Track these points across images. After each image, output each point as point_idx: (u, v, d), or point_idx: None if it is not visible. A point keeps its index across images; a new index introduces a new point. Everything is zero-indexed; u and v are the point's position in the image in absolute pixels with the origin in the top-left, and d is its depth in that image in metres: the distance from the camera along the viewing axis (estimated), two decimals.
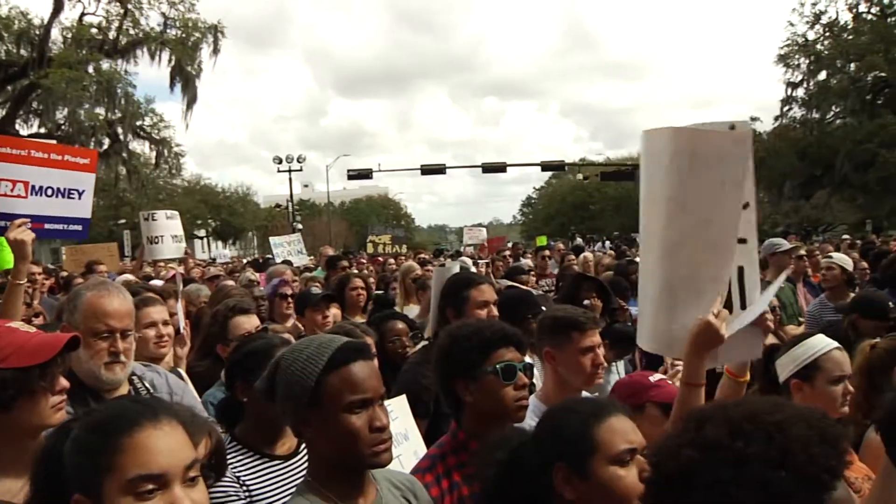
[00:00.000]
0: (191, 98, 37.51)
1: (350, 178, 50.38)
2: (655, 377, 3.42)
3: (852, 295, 6.57)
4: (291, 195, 48.41)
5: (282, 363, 2.12)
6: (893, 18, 44.51)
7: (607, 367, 5.44)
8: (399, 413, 3.56)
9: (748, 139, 2.56)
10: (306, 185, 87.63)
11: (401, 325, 5.03)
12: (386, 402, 3.48)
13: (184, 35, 36.90)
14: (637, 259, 12.94)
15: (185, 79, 36.99)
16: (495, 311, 4.07)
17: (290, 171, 45.93)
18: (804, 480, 1.27)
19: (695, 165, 2.54)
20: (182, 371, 4.26)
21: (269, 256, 16.91)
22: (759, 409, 1.38)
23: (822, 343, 3.15)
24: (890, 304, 5.44)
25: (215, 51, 37.73)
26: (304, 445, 2.77)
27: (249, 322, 4.44)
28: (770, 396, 1.46)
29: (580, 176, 69.95)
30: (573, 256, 12.06)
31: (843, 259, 7.66)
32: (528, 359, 2.85)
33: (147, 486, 1.54)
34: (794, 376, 3.10)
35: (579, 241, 34.74)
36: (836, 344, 3.17)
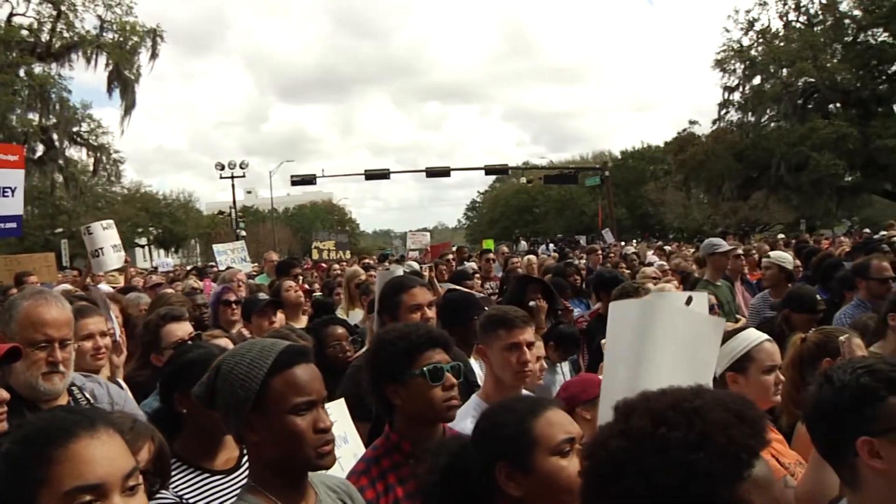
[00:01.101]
0: (129, 103, 36.83)
1: (293, 183, 50.13)
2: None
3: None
4: (234, 202, 47.78)
5: (223, 367, 2.10)
6: (819, 27, 46.11)
7: (551, 367, 5.58)
8: (338, 416, 3.54)
9: (722, 326, 2.52)
10: (249, 192, 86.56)
11: (340, 329, 5.02)
12: (326, 406, 3.52)
13: (121, 39, 36.14)
14: (580, 261, 13.21)
15: (123, 84, 36.26)
16: (429, 314, 4.09)
17: (232, 177, 45.39)
18: (723, 460, 1.32)
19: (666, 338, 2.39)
20: (121, 380, 4.17)
21: (213, 264, 16.70)
22: (681, 398, 1.43)
23: (753, 336, 3.26)
24: (818, 298, 5.68)
25: (154, 55, 37.13)
26: (245, 459, 2.74)
27: (182, 329, 4.37)
28: (693, 386, 1.52)
29: (524, 179, 70.74)
30: (517, 259, 12.19)
31: (782, 257, 7.96)
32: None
33: (84, 498, 1.50)
34: (729, 369, 3.20)
35: (524, 244, 35.07)
36: (766, 336, 3.29)
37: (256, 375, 2.03)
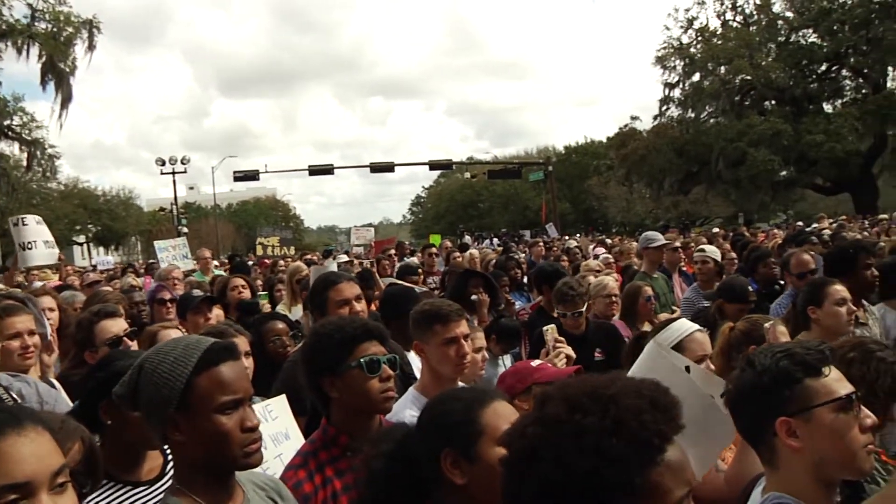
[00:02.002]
0: (65, 97, 35.55)
1: (236, 179, 49.42)
2: (537, 362, 3.60)
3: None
4: (176, 198, 46.93)
5: (146, 366, 2.06)
6: (755, 27, 47.30)
7: (493, 360, 5.64)
8: (279, 412, 3.54)
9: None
10: (191, 188, 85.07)
11: (280, 324, 4.99)
12: (266, 402, 3.53)
13: (55, 29, 34.82)
14: (521, 255, 13.34)
15: (57, 76, 35.00)
16: (358, 308, 4.10)
17: (173, 173, 44.60)
18: (636, 445, 1.35)
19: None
20: (53, 380, 4.09)
21: (154, 261, 16.40)
22: (597, 385, 1.46)
23: (685, 326, 3.36)
24: (750, 288, 5.86)
25: (91, 47, 35.85)
26: (168, 467, 2.70)
27: (116, 326, 4.28)
28: (610, 373, 1.56)
29: (468, 174, 70.97)
30: (458, 254, 12.26)
31: (714, 251, 8.20)
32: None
33: (10, 497, 1.47)
34: None
35: (467, 238, 35.22)
36: (697, 326, 3.40)
37: (181, 374, 1.99)
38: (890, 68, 44.33)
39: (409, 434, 2.22)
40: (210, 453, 2.01)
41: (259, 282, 10.36)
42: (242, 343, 4.10)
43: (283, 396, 3.64)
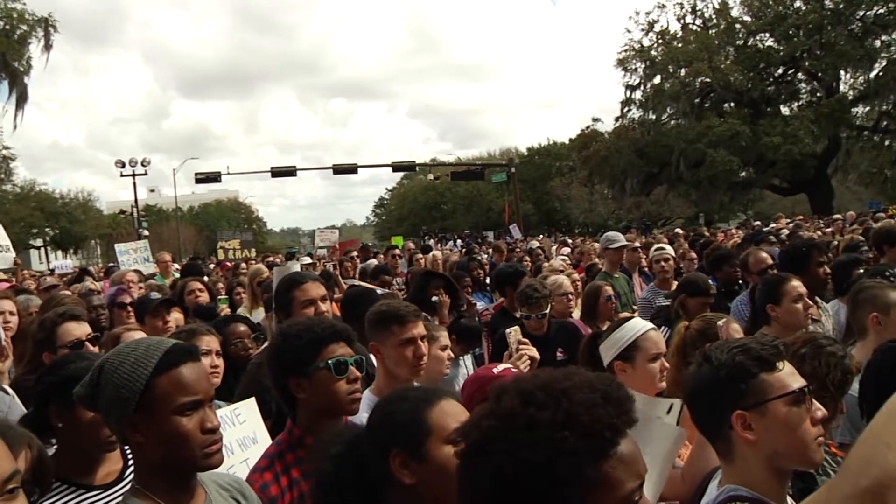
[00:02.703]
0: (20, 97, 34.96)
1: (198, 181, 48.81)
2: (499, 367, 3.57)
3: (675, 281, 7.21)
4: (136, 200, 46.17)
5: (106, 367, 2.05)
6: (714, 31, 48.04)
7: (454, 361, 5.64)
8: (248, 416, 3.50)
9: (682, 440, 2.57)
10: (152, 190, 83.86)
11: (242, 327, 4.95)
12: (234, 406, 3.50)
13: (8, 27, 34.09)
14: (484, 256, 13.40)
15: (11, 75, 34.35)
16: (323, 308, 4.08)
17: (133, 175, 43.87)
18: (589, 438, 1.37)
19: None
20: (6, 386, 4.01)
21: (113, 265, 16.17)
22: (551, 379, 1.48)
23: (639, 325, 3.40)
24: (710, 281, 6.03)
25: (47, 46, 35.23)
26: (128, 472, 2.67)
27: (80, 329, 4.22)
28: (564, 367, 1.59)
29: (431, 176, 70.96)
30: (421, 255, 12.28)
31: (670, 250, 8.37)
32: None
33: None
34: (616, 358, 3.33)
35: (431, 242, 35.23)
36: (651, 325, 3.44)
37: (140, 375, 2.00)
38: (842, 72, 45.35)
39: (359, 435, 2.21)
40: (169, 454, 2.01)
41: (220, 285, 10.28)
42: (213, 342, 4.09)
43: (253, 400, 3.61)
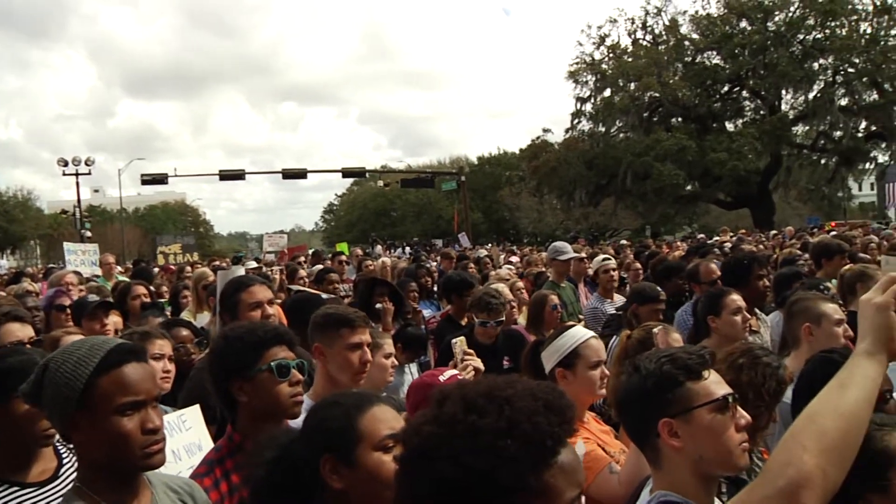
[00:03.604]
0: None
1: (144, 182, 48.00)
2: (446, 374, 3.57)
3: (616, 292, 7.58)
4: (79, 200, 45.14)
5: (51, 366, 2.04)
6: (663, 47, 49.02)
7: (399, 368, 5.63)
8: (193, 423, 3.45)
9: None
10: (97, 191, 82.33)
11: (185, 331, 4.86)
12: (181, 412, 3.45)
13: None
14: (432, 264, 13.41)
15: None
16: (270, 311, 4.07)
17: (76, 174, 42.91)
18: (530, 446, 1.38)
19: None
20: None
21: (53, 266, 15.79)
22: (493, 387, 1.48)
23: (580, 333, 3.45)
24: (659, 289, 6.12)
25: None
26: (64, 470, 2.63)
27: (23, 331, 4.10)
28: (506, 375, 1.60)
29: (381, 183, 70.87)
30: (370, 262, 12.24)
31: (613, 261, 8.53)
32: None
33: None
34: (558, 365, 3.37)
35: (379, 248, 35.18)
36: (592, 333, 3.49)
37: (82, 374, 1.98)
38: (784, 92, 46.76)
39: (294, 440, 2.21)
40: (110, 454, 2.00)
41: (165, 288, 10.11)
42: (166, 347, 4.04)
43: (197, 407, 3.55)
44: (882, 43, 43.89)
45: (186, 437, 3.32)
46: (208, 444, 3.41)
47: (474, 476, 1.36)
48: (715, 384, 2.11)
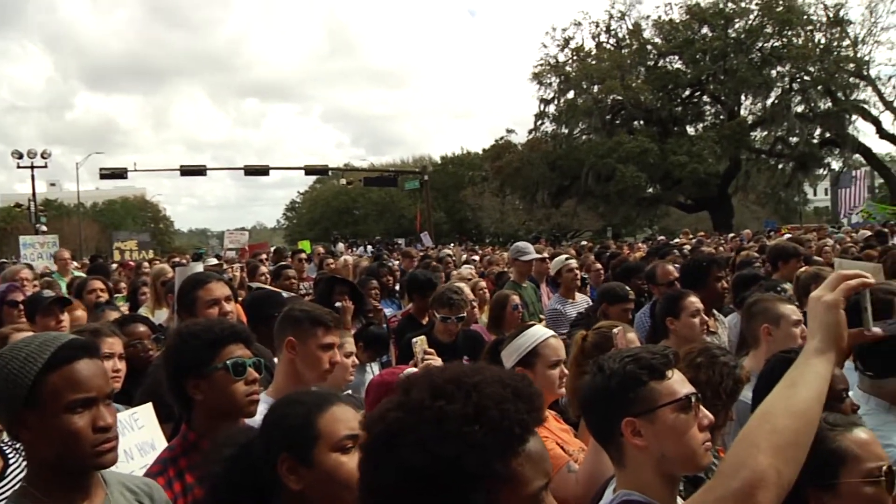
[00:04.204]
0: None
1: (103, 177, 47.26)
2: (405, 372, 3.56)
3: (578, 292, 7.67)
4: (34, 194, 44.19)
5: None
6: (626, 50, 49.57)
7: (361, 367, 5.61)
8: (145, 421, 3.39)
9: None
10: (53, 184, 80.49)
11: (142, 327, 4.77)
12: (133, 410, 3.39)
13: None
14: (394, 262, 13.39)
15: None
16: (227, 308, 4.05)
17: (32, 167, 41.95)
18: (498, 433, 1.37)
19: None
20: None
21: (6, 261, 15.48)
22: (461, 373, 1.47)
23: (540, 332, 3.46)
24: (628, 289, 6.20)
25: None
26: (11, 470, 2.59)
27: None
28: (476, 363, 1.60)
29: (344, 181, 70.53)
30: (331, 260, 12.20)
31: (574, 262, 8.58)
32: None
33: None
34: (517, 364, 3.37)
35: (341, 245, 35.05)
36: (552, 332, 3.51)
37: (30, 371, 1.94)
38: (743, 98, 47.66)
39: (252, 438, 2.19)
40: (60, 453, 1.95)
41: (123, 284, 9.96)
42: (117, 345, 3.96)
43: (150, 405, 3.49)
44: (835, 53, 45.38)
45: (139, 435, 3.27)
46: (162, 443, 3.36)
47: (441, 463, 1.34)
48: (678, 384, 2.12)
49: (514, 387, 1.45)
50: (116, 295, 8.22)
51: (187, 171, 48.67)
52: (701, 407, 2.12)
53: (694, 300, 4.78)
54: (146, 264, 14.18)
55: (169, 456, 2.68)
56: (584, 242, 22.67)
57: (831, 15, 45.76)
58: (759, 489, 1.57)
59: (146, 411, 3.43)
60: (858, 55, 46.24)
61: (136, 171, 48.11)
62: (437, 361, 3.89)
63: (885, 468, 2.20)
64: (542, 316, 7.66)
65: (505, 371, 1.54)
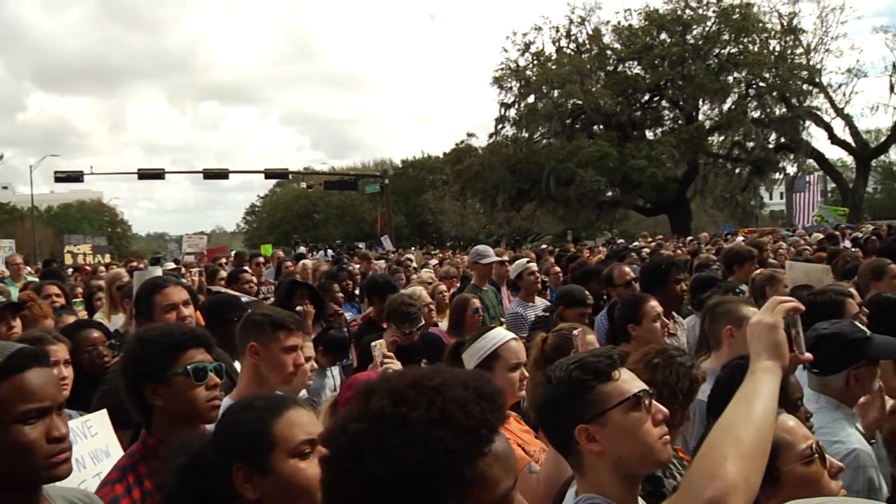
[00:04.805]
0: None
1: (58, 180, 46.30)
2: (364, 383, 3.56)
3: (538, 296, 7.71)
4: None
5: None
6: (586, 55, 50.03)
7: (321, 372, 5.59)
8: (99, 428, 3.32)
9: None
10: (5, 187, 78.90)
11: (96, 333, 4.67)
12: (86, 418, 3.32)
13: None
14: (354, 266, 13.34)
15: None
16: (185, 312, 4.01)
17: None
18: (463, 434, 1.36)
19: None
20: None
21: None
22: (421, 377, 1.45)
23: (500, 335, 3.47)
24: (586, 292, 6.17)
25: None
26: None
27: None
28: (433, 365, 1.58)
29: (304, 184, 70.08)
30: (290, 264, 12.12)
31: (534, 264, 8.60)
32: None
33: None
34: (478, 366, 3.37)
35: (302, 249, 34.76)
36: (512, 335, 3.52)
37: None
38: (700, 103, 48.39)
39: (206, 445, 2.11)
40: (11, 466, 1.88)
41: (79, 290, 9.78)
42: (61, 351, 3.85)
43: (104, 411, 3.43)
44: (789, 60, 46.44)
45: (92, 443, 3.21)
46: (117, 450, 3.31)
47: (408, 471, 1.32)
48: (626, 383, 2.10)
49: (475, 387, 1.44)
50: (75, 300, 8.06)
51: (145, 174, 48.00)
52: (653, 402, 2.11)
53: (654, 304, 4.81)
54: (102, 268, 13.95)
55: (128, 462, 2.63)
56: (543, 246, 22.80)
57: (785, 23, 47.05)
58: (730, 497, 1.62)
59: (100, 418, 3.37)
60: (811, 63, 47.50)
61: (92, 174, 47.32)
62: (397, 365, 3.90)
63: (814, 445, 2.26)
64: (502, 319, 7.68)
65: (465, 371, 1.54)
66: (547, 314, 6.71)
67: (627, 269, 6.84)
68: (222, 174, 50.10)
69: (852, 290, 5.15)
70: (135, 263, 15.17)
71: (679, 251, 16.99)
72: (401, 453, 1.32)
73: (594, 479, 2.08)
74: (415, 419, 1.35)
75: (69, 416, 2.84)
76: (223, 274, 9.38)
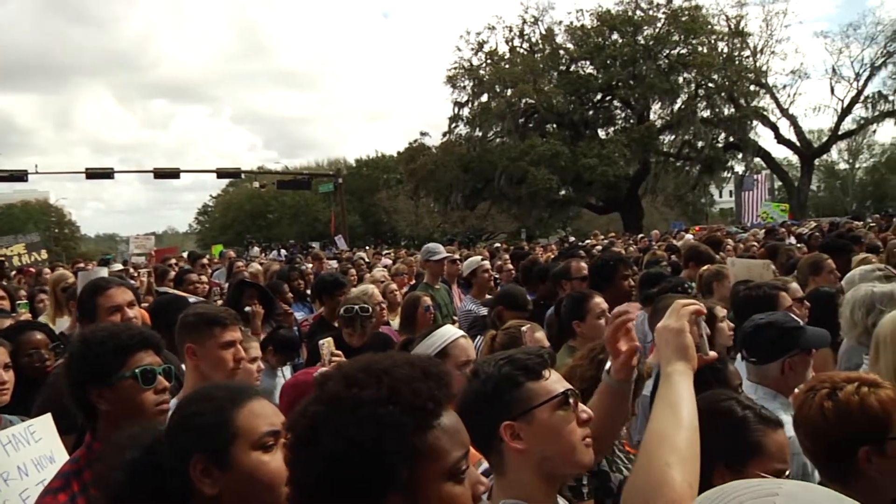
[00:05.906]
0: None
1: (0, 179, 45.08)
2: (319, 372, 3.55)
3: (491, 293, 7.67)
4: None
5: None
6: (539, 55, 50.42)
7: (271, 371, 5.54)
8: (43, 434, 3.23)
9: None
10: None
11: (38, 335, 4.56)
12: (29, 423, 3.23)
13: None
14: (307, 266, 13.25)
15: None
16: (130, 314, 3.95)
17: None
18: (412, 411, 1.45)
19: None
20: None
21: None
22: (371, 361, 1.55)
23: (449, 332, 3.49)
24: (528, 297, 6.22)
25: None
26: None
27: None
28: (386, 352, 1.65)
29: (257, 184, 69.43)
30: (241, 264, 12.01)
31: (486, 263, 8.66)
32: None
33: None
34: None
35: (256, 249, 34.47)
36: (462, 333, 3.54)
37: None
38: (651, 102, 49.18)
39: (158, 439, 1.98)
40: None
41: (23, 292, 9.54)
42: (1, 354, 3.76)
43: (49, 416, 3.34)
44: (736, 62, 47.59)
45: (35, 449, 3.12)
46: (62, 456, 3.22)
47: (362, 447, 1.41)
48: (555, 382, 2.11)
49: (422, 367, 1.53)
50: (19, 302, 7.87)
51: (93, 174, 46.90)
52: (579, 403, 2.12)
53: (599, 301, 4.86)
54: (47, 270, 13.65)
55: (72, 469, 2.53)
56: (497, 245, 22.92)
57: (732, 26, 48.12)
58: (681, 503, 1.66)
59: (44, 423, 3.28)
60: (757, 64, 48.71)
61: (37, 173, 46.09)
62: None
63: (787, 473, 2.35)
64: (454, 317, 7.71)
65: (414, 355, 1.62)
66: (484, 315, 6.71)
67: (583, 263, 6.89)
68: (173, 174, 49.24)
69: (793, 284, 5.28)
70: (82, 265, 14.88)
71: (630, 248, 17.24)
72: (355, 431, 1.41)
73: (514, 477, 2.06)
74: (366, 398, 1.45)
75: (10, 422, 2.77)
76: (173, 275, 9.26)
